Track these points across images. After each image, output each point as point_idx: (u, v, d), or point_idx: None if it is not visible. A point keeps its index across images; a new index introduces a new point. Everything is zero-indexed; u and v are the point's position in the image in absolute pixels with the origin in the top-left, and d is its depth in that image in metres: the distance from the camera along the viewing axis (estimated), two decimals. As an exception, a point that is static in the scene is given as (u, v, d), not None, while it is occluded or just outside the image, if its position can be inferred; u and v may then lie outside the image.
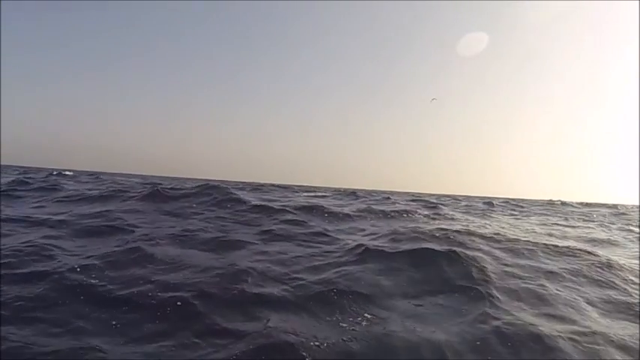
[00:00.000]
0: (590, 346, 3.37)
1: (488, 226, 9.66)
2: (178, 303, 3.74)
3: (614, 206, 28.13)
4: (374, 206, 12.18)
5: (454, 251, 5.58)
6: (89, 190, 12.12)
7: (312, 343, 3.15)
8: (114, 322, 3.39)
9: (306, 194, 18.27)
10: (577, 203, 27.96)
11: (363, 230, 8.02)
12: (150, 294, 3.91)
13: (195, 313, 3.62)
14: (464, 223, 9.57)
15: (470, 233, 7.42)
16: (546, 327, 3.60)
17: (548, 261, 6.18)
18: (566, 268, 5.78)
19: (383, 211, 11.02)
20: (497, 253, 6.33)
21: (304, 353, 3.02)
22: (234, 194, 11.19)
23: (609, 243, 9.04)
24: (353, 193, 20.92)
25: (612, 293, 5.02)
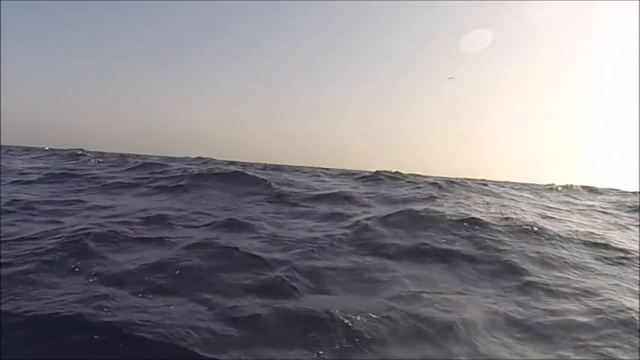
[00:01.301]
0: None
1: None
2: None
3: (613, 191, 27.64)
4: (400, 191, 12.41)
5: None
6: (130, 178, 12.22)
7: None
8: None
9: (315, 177, 18.39)
10: (580, 187, 27.48)
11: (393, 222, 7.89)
12: (150, 273, 4.37)
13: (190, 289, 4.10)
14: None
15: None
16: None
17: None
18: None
19: (406, 197, 11.29)
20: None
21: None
22: (260, 178, 11.57)
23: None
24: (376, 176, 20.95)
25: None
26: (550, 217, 10.10)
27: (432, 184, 14.74)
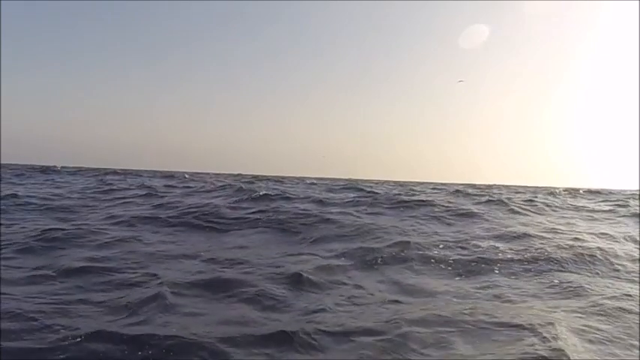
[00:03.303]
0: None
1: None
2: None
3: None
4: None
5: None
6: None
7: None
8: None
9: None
10: (584, 191, 27.02)
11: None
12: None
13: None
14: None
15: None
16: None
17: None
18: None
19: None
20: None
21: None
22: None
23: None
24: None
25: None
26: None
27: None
